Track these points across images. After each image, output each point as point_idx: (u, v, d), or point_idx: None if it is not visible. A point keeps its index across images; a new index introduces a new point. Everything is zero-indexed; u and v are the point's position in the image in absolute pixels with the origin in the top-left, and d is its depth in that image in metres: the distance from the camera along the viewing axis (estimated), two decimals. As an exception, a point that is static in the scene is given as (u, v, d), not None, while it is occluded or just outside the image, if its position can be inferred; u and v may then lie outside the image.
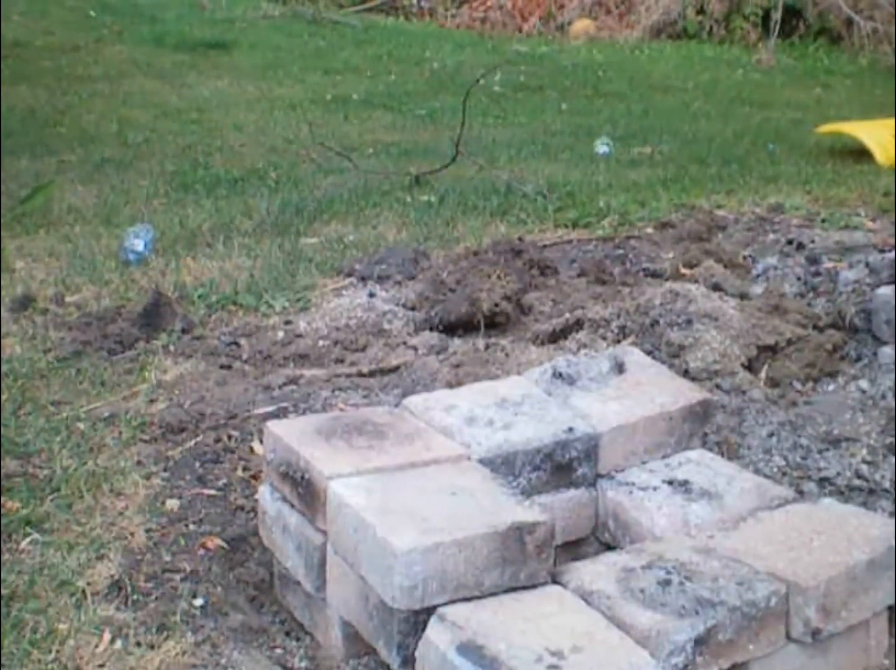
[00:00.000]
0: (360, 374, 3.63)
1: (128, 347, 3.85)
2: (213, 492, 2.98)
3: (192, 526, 2.82)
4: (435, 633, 2.13)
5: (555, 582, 2.29)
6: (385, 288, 4.45)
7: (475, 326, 3.99)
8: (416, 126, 8.02)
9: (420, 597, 2.18)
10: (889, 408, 3.21)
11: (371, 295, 4.37)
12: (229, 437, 3.22)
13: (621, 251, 4.92)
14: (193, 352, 3.81)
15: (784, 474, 2.95)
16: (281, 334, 4.02)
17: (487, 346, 3.75)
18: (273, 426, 2.68)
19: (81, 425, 3.28)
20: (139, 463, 3.09)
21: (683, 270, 4.48)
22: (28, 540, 2.72)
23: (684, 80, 10.20)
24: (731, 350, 3.54)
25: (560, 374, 2.94)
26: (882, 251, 4.57)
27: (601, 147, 7.15)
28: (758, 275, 4.49)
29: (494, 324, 4.03)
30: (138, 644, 2.39)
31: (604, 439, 2.71)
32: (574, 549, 2.69)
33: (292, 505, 2.57)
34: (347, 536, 2.34)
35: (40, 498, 2.89)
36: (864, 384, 3.43)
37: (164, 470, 3.06)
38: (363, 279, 4.53)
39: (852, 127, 7.18)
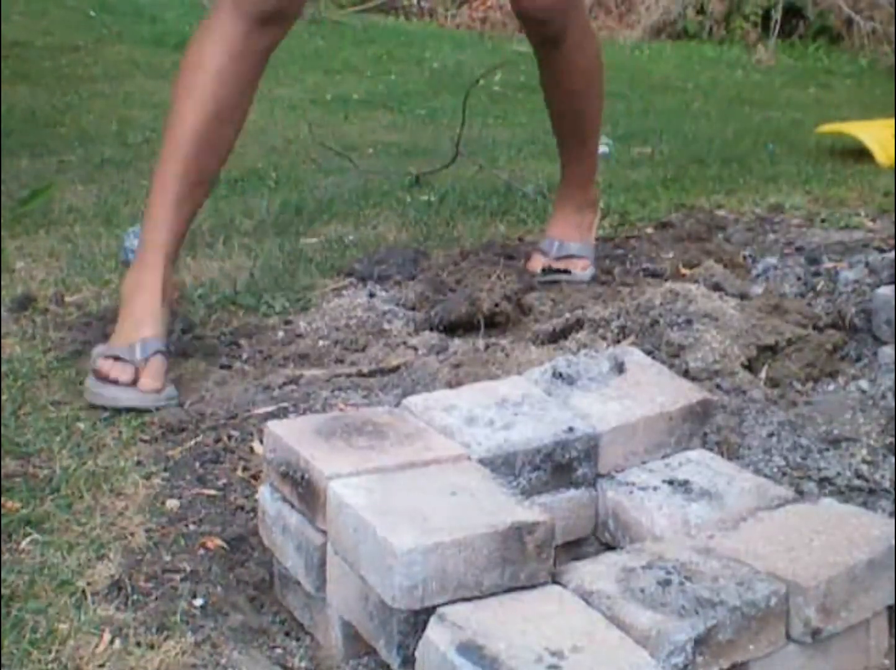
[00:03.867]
0: (360, 374, 3.63)
1: (128, 347, 3.85)
2: (213, 492, 2.97)
3: (192, 526, 2.82)
4: (435, 633, 2.13)
5: (555, 582, 2.28)
6: (385, 288, 4.44)
7: (475, 326, 3.99)
8: (416, 126, 8.01)
9: (420, 597, 2.18)
10: (889, 408, 3.21)
11: (371, 295, 4.37)
12: (229, 437, 3.22)
13: (621, 251, 4.92)
14: (193, 352, 3.81)
15: (784, 474, 2.94)
16: (281, 334, 4.02)
17: (487, 346, 3.74)
18: (273, 426, 2.68)
19: (81, 425, 3.27)
20: (139, 463, 3.08)
21: (683, 270, 4.48)
22: (28, 540, 2.71)
23: (684, 80, 10.18)
24: (731, 350, 3.54)
25: (560, 374, 2.93)
26: (882, 251, 4.57)
27: (601, 147, 7.13)
28: (758, 275, 4.49)
29: (494, 324, 4.03)
30: (138, 644, 2.38)
31: (604, 439, 2.70)
32: (574, 549, 2.69)
33: (292, 505, 2.56)
34: (347, 536, 2.33)
35: (40, 498, 2.88)
36: (864, 384, 3.42)
37: (164, 470, 3.06)
38: (363, 279, 4.52)
39: (852, 127, 7.17)
